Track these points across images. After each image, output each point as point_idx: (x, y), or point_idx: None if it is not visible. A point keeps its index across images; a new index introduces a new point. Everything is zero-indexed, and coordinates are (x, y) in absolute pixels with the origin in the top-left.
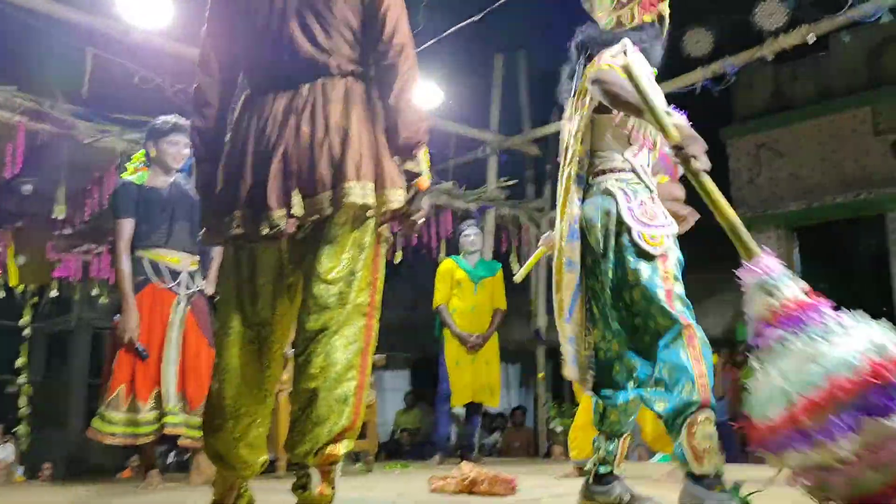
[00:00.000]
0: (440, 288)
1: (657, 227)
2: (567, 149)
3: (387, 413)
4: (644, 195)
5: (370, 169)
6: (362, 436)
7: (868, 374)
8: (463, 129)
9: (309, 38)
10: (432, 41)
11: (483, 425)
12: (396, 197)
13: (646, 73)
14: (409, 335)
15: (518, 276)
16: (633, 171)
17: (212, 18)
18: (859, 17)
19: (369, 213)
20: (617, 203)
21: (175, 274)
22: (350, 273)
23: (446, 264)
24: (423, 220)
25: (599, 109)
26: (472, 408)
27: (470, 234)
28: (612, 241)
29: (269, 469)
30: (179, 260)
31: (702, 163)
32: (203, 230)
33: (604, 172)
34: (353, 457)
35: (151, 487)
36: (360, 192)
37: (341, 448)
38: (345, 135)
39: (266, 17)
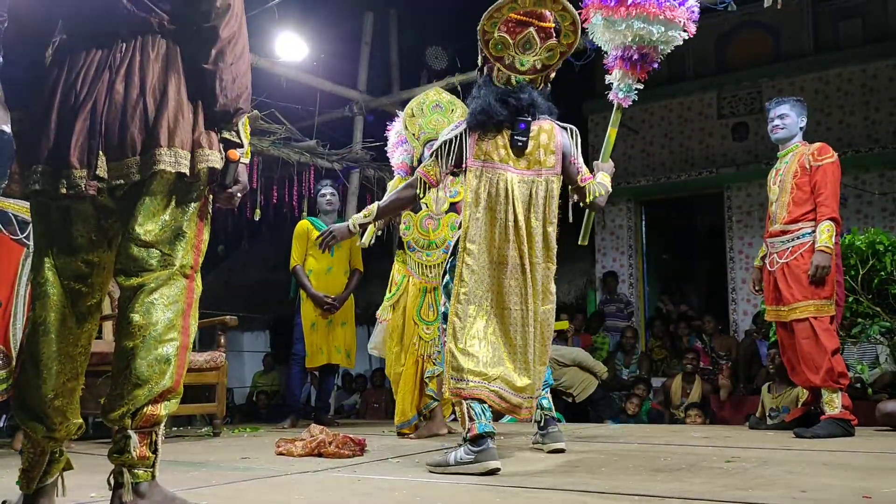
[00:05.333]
0: (296, 248)
1: None
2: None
3: (245, 375)
4: None
5: (186, 135)
6: (211, 399)
7: None
8: (329, 86)
9: None
10: None
11: (344, 387)
12: (210, 157)
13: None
14: (269, 296)
15: (364, 241)
16: None
17: None
18: (709, 4)
19: (187, 179)
20: None
21: (25, 224)
22: (173, 234)
23: (302, 225)
24: (241, 194)
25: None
26: (328, 370)
27: (326, 194)
28: None
29: (106, 434)
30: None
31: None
32: (6, 181)
33: None
34: (207, 420)
35: None
36: (170, 160)
37: (162, 409)
38: (161, 98)
39: None
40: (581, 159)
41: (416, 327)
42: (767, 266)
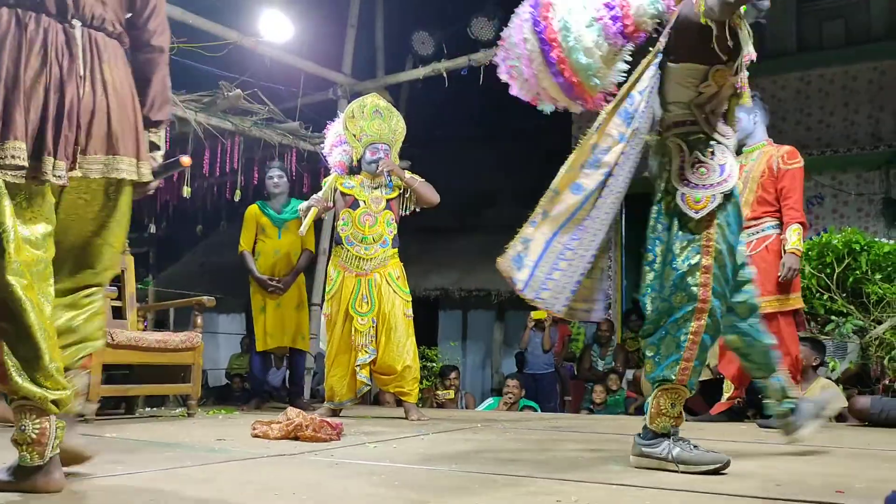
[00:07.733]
0: (244, 234)
1: (706, 187)
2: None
3: (220, 357)
4: (703, 149)
5: (133, 143)
6: (186, 379)
7: None
8: (314, 67)
9: None
10: None
11: (321, 372)
12: (145, 171)
13: None
14: (246, 278)
15: (302, 230)
16: (697, 122)
17: None
18: None
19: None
20: (671, 162)
21: None
22: (125, 237)
23: (251, 209)
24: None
25: (672, 57)
26: (295, 353)
27: (273, 177)
28: (664, 202)
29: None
30: None
31: None
32: None
33: (668, 127)
34: (181, 401)
35: None
36: (129, 167)
37: None
38: (120, 103)
39: None
40: None
41: (352, 319)
42: None
